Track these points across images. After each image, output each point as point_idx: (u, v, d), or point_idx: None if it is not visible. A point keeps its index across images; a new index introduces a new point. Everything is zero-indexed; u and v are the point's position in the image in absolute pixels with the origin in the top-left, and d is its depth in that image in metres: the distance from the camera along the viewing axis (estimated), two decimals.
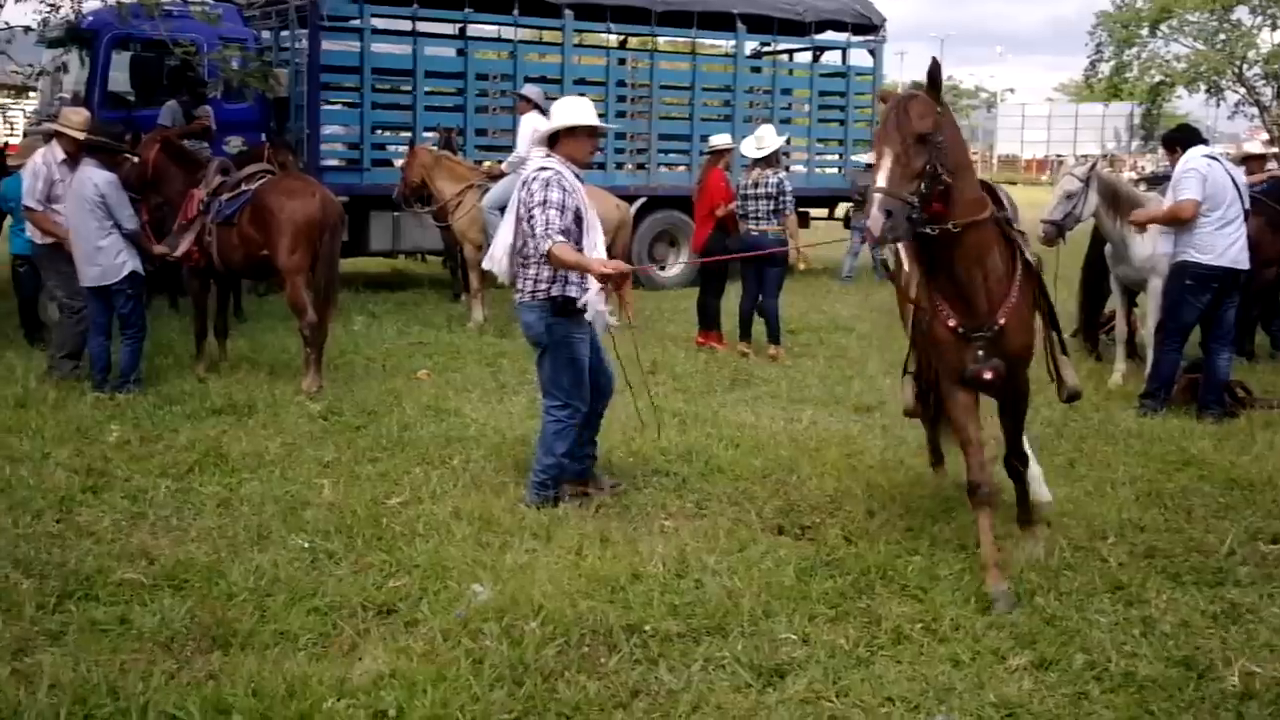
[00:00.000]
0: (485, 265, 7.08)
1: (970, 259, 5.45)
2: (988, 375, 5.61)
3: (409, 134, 16.23)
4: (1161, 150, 10.22)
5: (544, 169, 6.52)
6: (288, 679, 4.53)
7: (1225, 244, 9.00)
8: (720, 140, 12.99)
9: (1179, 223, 9.12)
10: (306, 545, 6.07)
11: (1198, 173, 9.03)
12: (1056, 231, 9.93)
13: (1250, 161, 12.00)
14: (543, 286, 6.55)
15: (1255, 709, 4.54)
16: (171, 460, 7.58)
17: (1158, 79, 48.59)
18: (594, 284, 6.53)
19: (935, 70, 5.16)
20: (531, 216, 6.41)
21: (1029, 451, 6.39)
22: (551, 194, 6.38)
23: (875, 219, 4.99)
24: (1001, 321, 5.53)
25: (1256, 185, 10.67)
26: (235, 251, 10.01)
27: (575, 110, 6.67)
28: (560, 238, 6.30)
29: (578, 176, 6.61)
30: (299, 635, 5.02)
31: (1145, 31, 46.71)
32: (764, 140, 11.65)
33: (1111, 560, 5.99)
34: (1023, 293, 5.63)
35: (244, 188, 10.09)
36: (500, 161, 13.78)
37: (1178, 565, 5.97)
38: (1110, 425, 8.81)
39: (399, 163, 15.13)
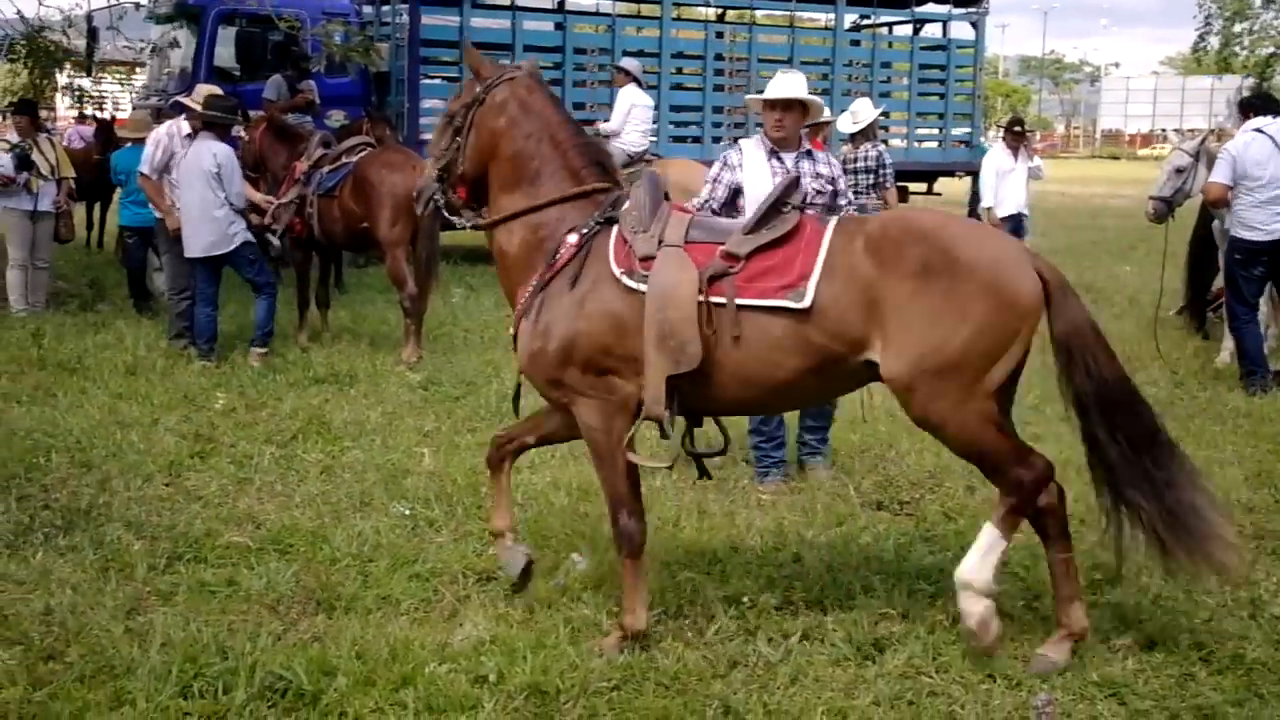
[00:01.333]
0: None
1: (496, 256, 5.04)
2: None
3: None
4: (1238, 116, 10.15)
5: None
6: (390, 642, 4.60)
7: (1269, 218, 8.96)
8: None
9: (1211, 203, 9.47)
10: (408, 512, 6.16)
11: (1228, 154, 9.15)
12: (1166, 208, 9.79)
13: None
14: None
15: None
16: (276, 428, 7.74)
17: (1269, 50, 47.19)
18: None
19: (465, 54, 5.08)
20: None
21: None
22: (712, 170, 6.48)
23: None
24: (510, 331, 4.98)
25: None
26: (336, 223, 10.15)
27: (769, 86, 6.39)
28: (695, 201, 6.19)
29: (774, 152, 6.35)
30: (401, 600, 5.10)
31: (1259, 3, 45.36)
32: (859, 114, 11.49)
33: None
34: (549, 300, 4.74)
35: (345, 160, 10.24)
36: (597, 135, 13.80)
37: None
38: (1218, 404, 8.61)
39: None
